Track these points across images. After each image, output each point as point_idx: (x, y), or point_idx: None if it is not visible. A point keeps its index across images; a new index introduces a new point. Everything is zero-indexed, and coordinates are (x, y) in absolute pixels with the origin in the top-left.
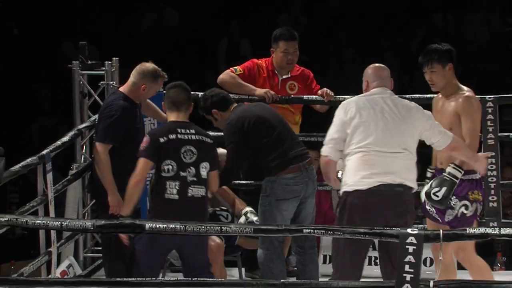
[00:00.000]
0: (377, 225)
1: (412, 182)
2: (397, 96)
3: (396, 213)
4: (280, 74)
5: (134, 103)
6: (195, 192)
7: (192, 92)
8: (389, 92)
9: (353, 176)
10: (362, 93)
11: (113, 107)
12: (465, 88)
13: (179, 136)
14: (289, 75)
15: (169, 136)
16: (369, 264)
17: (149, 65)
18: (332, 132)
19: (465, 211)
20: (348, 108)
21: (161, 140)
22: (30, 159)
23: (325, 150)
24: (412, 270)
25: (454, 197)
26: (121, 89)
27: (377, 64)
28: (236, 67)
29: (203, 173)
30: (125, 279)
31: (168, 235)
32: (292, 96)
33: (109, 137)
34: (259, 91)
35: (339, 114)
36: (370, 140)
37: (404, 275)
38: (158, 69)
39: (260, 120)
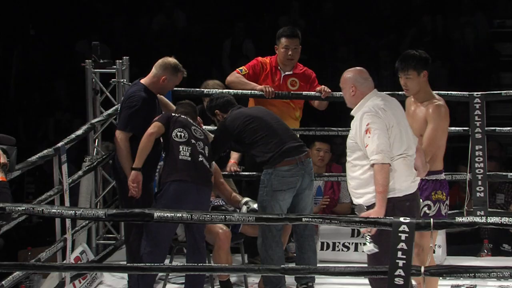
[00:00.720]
0: None
1: None
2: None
3: (419, 211)
4: (283, 71)
5: (153, 94)
6: (204, 161)
7: (198, 89)
8: (381, 93)
9: (402, 181)
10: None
11: (135, 97)
12: (437, 96)
13: (189, 121)
14: (292, 72)
15: (181, 115)
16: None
17: (172, 60)
18: (382, 139)
19: (427, 211)
20: (383, 115)
21: (173, 114)
22: (46, 151)
23: (387, 159)
24: (404, 257)
25: None
26: (142, 81)
27: (357, 68)
28: (241, 68)
29: (207, 154)
30: (134, 264)
31: (186, 201)
32: (292, 92)
33: (130, 126)
34: (259, 86)
35: (378, 122)
36: (405, 145)
37: (397, 261)
38: (179, 64)
39: (252, 119)
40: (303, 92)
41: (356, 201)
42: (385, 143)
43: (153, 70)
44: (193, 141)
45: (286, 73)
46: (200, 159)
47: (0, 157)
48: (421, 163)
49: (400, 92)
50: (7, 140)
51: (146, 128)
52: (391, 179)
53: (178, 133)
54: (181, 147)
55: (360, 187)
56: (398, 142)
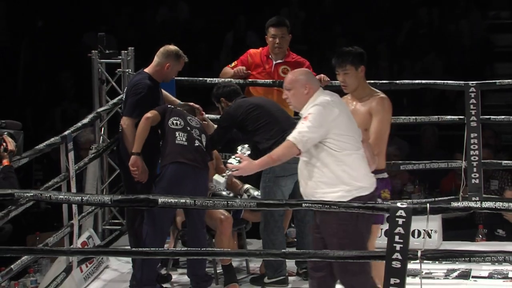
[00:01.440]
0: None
1: None
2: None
3: None
4: (274, 59)
5: (157, 83)
6: (201, 146)
7: (200, 79)
8: (328, 91)
9: (367, 178)
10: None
11: (140, 85)
12: (378, 90)
13: (184, 112)
14: (283, 60)
15: (177, 107)
16: None
17: (172, 47)
18: (312, 132)
19: None
20: (329, 110)
21: (169, 106)
22: (53, 138)
23: (302, 146)
24: (401, 241)
25: None
26: (146, 70)
27: (303, 68)
28: (233, 62)
29: (204, 141)
30: (139, 249)
31: (185, 183)
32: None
33: (136, 112)
34: (232, 70)
35: (318, 115)
36: (356, 142)
37: (394, 245)
38: (180, 51)
39: (255, 107)
40: None
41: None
42: (312, 137)
43: (156, 59)
44: (188, 128)
45: (278, 61)
46: (197, 144)
47: (8, 144)
48: (370, 156)
49: (397, 81)
50: (14, 125)
51: None
52: (356, 177)
53: (174, 121)
54: (177, 133)
55: (326, 187)
56: (351, 138)
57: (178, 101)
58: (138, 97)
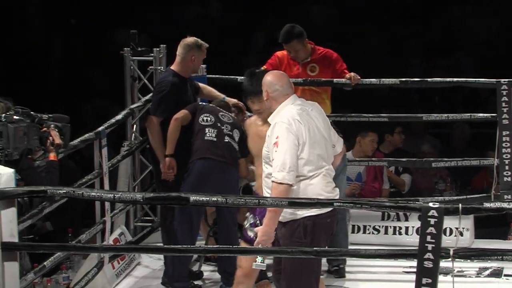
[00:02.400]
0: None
1: None
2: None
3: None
4: (300, 61)
5: (184, 78)
6: (231, 142)
7: (230, 76)
8: (301, 100)
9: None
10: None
11: (163, 83)
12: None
13: (216, 108)
14: (309, 59)
15: (209, 104)
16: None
17: (191, 38)
18: (288, 156)
19: None
20: (295, 127)
21: (201, 103)
22: (87, 134)
23: (288, 178)
24: (433, 240)
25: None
26: (172, 67)
27: (277, 71)
28: (262, 67)
29: (236, 137)
30: (171, 246)
31: (212, 179)
32: (312, 78)
33: (160, 110)
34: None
35: (288, 137)
36: (325, 159)
37: (426, 244)
38: (198, 40)
39: None
40: (334, 80)
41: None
42: (290, 161)
43: (178, 55)
44: (219, 124)
45: (303, 61)
46: (227, 140)
47: (55, 137)
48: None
49: (429, 80)
50: (61, 118)
51: (177, 111)
52: (316, 195)
53: (205, 118)
54: (207, 129)
55: None
56: (315, 158)
57: (223, 96)
58: (161, 95)
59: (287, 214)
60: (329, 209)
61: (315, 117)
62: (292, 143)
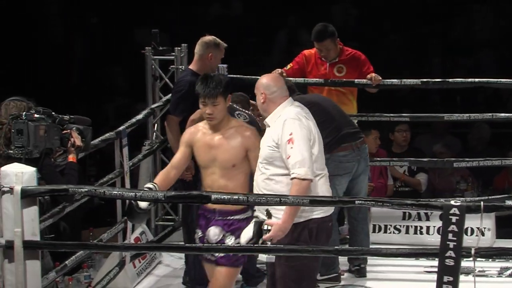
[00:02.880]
0: None
1: None
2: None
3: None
4: (328, 61)
5: None
6: None
7: (251, 76)
8: (298, 103)
9: None
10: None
11: (181, 82)
12: (241, 121)
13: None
14: (337, 59)
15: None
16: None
17: (209, 37)
18: (305, 151)
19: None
20: (306, 123)
21: None
22: (108, 134)
23: (310, 173)
24: (455, 239)
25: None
26: (190, 66)
27: (273, 74)
28: (288, 65)
29: None
30: (192, 244)
31: None
32: (340, 79)
33: (178, 110)
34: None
35: (302, 132)
36: (324, 161)
37: (448, 243)
38: (216, 38)
39: (311, 105)
40: (355, 80)
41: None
42: (309, 156)
43: (196, 53)
44: None
45: (332, 61)
46: None
47: (76, 139)
48: None
49: (450, 80)
50: (83, 121)
51: (195, 111)
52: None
53: None
54: None
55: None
56: (321, 156)
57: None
58: (179, 95)
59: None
60: (331, 211)
61: (312, 120)
62: (307, 138)
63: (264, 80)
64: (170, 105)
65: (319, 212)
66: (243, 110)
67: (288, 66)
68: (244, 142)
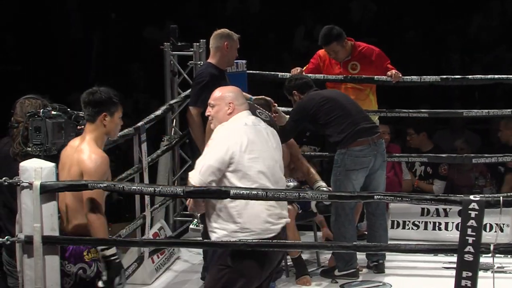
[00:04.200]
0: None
1: None
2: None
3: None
4: (340, 60)
5: (222, 71)
6: None
7: (270, 72)
8: (256, 117)
9: (258, 223)
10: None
11: (202, 74)
12: None
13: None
14: (349, 57)
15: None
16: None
17: (221, 30)
18: (213, 161)
19: (83, 275)
20: (237, 138)
21: None
22: (126, 130)
23: (196, 181)
24: (474, 234)
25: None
26: (208, 60)
27: (236, 87)
28: (306, 66)
29: None
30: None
31: None
32: (364, 76)
33: (200, 101)
34: None
35: (222, 140)
36: (267, 181)
37: (467, 238)
38: (229, 30)
39: (327, 100)
40: (375, 77)
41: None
42: (213, 166)
43: (212, 47)
44: None
45: (344, 60)
46: None
47: None
48: None
49: (469, 77)
50: None
51: None
52: (245, 220)
53: None
54: None
55: (214, 221)
56: (255, 174)
57: (249, 96)
58: (200, 85)
59: (224, 233)
60: (267, 235)
61: (267, 135)
62: (225, 150)
63: (231, 93)
64: (191, 98)
65: (250, 234)
66: (264, 110)
67: (305, 68)
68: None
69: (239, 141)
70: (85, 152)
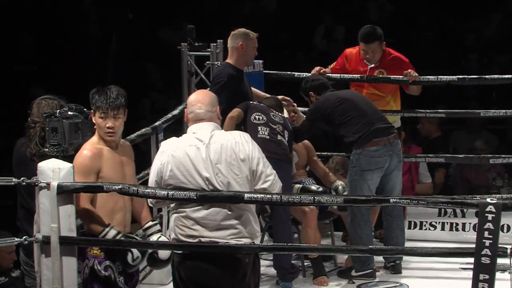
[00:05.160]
0: None
1: None
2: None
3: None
4: (369, 64)
5: (239, 70)
6: (283, 140)
7: (287, 72)
8: (202, 131)
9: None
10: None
11: (221, 74)
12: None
13: (268, 108)
14: (378, 63)
15: (261, 103)
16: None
17: (237, 29)
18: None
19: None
20: (169, 154)
21: (252, 102)
22: (144, 129)
23: None
24: (491, 236)
25: None
26: (226, 60)
27: (200, 91)
28: (332, 64)
29: (286, 137)
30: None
31: None
32: (380, 76)
33: (219, 100)
34: None
35: (156, 161)
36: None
37: (484, 240)
38: (245, 29)
39: (342, 101)
40: (391, 76)
41: None
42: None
43: (229, 48)
44: (271, 124)
45: (373, 65)
46: (279, 138)
47: None
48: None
49: (487, 77)
50: None
51: (234, 102)
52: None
53: (257, 116)
54: (259, 127)
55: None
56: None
57: (267, 96)
58: (219, 85)
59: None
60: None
61: (211, 151)
62: (157, 168)
63: (189, 99)
64: None
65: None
66: (278, 112)
67: (331, 66)
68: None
69: (168, 159)
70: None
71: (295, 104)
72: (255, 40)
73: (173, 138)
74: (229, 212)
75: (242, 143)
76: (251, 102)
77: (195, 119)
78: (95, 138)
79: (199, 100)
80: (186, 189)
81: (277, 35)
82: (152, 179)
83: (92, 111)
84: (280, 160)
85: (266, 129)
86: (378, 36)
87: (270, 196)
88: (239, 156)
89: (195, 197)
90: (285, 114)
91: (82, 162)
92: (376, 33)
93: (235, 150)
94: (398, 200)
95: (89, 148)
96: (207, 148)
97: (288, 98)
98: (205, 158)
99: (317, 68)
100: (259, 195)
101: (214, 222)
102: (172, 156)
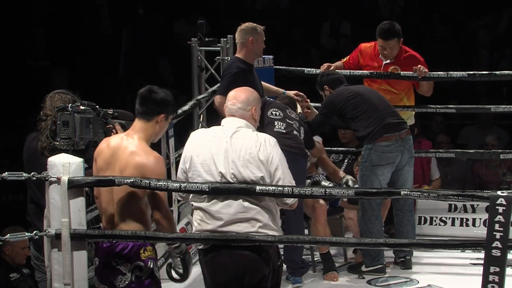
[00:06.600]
0: None
1: None
2: None
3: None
4: (384, 60)
5: (249, 64)
6: (299, 135)
7: (296, 68)
8: (229, 125)
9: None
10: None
11: (232, 66)
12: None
13: (283, 104)
14: (393, 60)
15: (276, 100)
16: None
17: (245, 24)
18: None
19: (138, 273)
20: (193, 145)
21: (268, 99)
22: None
23: None
24: (501, 229)
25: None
26: (236, 54)
27: (242, 87)
28: (345, 57)
29: (302, 133)
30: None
31: None
32: (390, 72)
33: (228, 91)
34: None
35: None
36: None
37: (494, 233)
38: (253, 24)
39: (354, 95)
40: (401, 72)
41: None
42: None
43: (238, 43)
44: (288, 120)
45: (387, 61)
46: (295, 132)
47: (120, 132)
48: None
49: (497, 72)
50: (126, 116)
51: None
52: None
53: (274, 112)
54: (276, 122)
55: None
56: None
57: (282, 90)
58: (230, 77)
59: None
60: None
61: (231, 145)
62: (184, 155)
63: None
64: (219, 87)
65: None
66: (292, 109)
67: (345, 59)
68: None
69: (192, 149)
70: (141, 155)
71: (308, 100)
72: (263, 34)
73: (204, 129)
74: (244, 206)
75: (265, 145)
76: (267, 98)
77: (228, 113)
78: (145, 143)
79: (235, 96)
80: (198, 182)
81: (289, 30)
82: (179, 167)
83: (163, 115)
84: (295, 154)
85: (282, 124)
86: (397, 33)
87: (281, 188)
88: (259, 156)
89: (207, 189)
90: (299, 110)
91: (162, 168)
92: (395, 30)
93: (256, 150)
94: (408, 192)
95: (157, 154)
96: (228, 141)
97: (302, 94)
98: (225, 151)
99: (326, 65)
100: (270, 188)
101: (227, 215)
102: (196, 143)
